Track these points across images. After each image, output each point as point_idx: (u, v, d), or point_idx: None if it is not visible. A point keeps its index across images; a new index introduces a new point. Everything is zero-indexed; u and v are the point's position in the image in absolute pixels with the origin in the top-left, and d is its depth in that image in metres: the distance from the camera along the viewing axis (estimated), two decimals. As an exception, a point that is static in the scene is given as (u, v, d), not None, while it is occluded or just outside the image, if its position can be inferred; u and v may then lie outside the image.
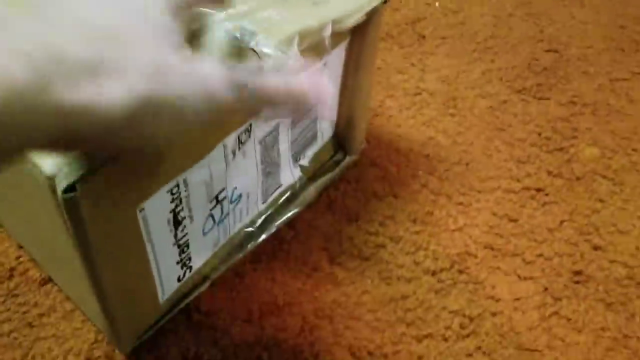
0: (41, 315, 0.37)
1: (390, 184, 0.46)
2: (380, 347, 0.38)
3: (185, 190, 0.31)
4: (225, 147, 0.33)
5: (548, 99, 0.54)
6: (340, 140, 0.46)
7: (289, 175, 0.42)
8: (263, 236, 0.41)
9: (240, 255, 0.40)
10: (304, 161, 0.43)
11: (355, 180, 0.46)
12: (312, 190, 0.44)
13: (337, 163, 0.46)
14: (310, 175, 0.44)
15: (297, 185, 0.43)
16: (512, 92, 0.54)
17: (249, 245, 0.40)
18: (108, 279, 0.30)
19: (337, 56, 0.39)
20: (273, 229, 0.41)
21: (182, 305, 0.37)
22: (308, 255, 0.42)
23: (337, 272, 0.41)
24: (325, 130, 0.44)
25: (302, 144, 0.42)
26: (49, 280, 0.39)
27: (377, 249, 0.43)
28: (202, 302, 0.38)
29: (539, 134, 0.51)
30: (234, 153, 0.34)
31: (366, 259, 0.42)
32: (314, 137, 0.43)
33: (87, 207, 0.26)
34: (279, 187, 0.42)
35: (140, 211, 0.29)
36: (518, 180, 0.47)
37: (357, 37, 0.39)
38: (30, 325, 0.37)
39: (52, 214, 0.27)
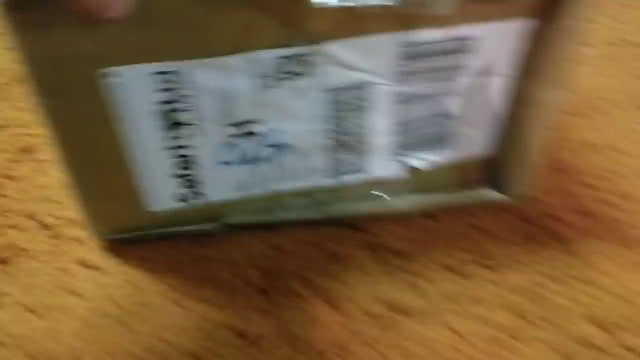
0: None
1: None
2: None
3: (189, 87, 0.25)
4: (256, 62, 0.25)
5: None
6: (494, 168, 0.32)
7: (382, 165, 0.31)
8: (322, 215, 0.31)
9: (288, 218, 0.31)
10: (416, 161, 0.31)
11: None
12: (411, 203, 0.32)
13: (475, 194, 0.32)
14: (422, 188, 0.32)
15: (394, 185, 0.32)
16: None
17: (302, 216, 0.31)
18: (68, 138, 0.26)
19: (501, 38, 0.27)
20: (342, 215, 0.32)
21: (193, 229, 0.30)
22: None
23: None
24: (470, 139, 0.31)
25: (417, 136, 0.30)
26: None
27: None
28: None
29: None
30: (277, 80, 0.26)
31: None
32: (440, 137, 0.31)
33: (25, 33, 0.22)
34: (359, 172, 0.31)
35: (107, 76, 0.24)
36: None
37: (544, 18, 0.26)
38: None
39: None
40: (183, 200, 0.29)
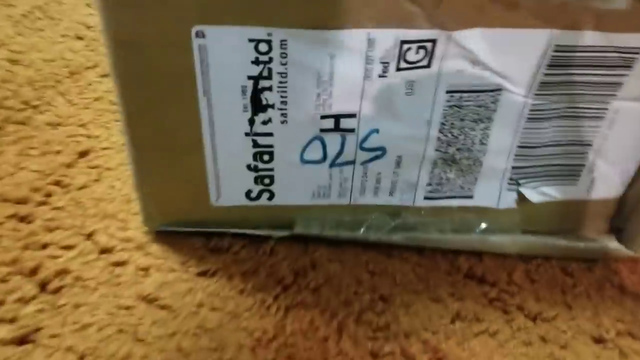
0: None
1: None
2: None
3: (283, 62, 0.21)
4: (368, 41, 0.21)
5: None
6: (625, 215, 0.27)
7: (491, 193, 0.26)
8: (410, 242, 0.26)
9: (364, 237, 0.26)
10: (533, 194, 0.26)
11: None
12: (518, 244, 0.27)
13: (595, 244, 0.27)
14: (531, 227, 0.27)
15: (499, 219, 0.26)
16: None
17: (385, 239, 0.26)
18: (139, 105, 0.23)
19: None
20: (433, 246, 0.27)
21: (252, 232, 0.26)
22: None
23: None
24: (605, 178, 0.26)
25: (542, 164, 0.25)
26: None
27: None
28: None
29: None
30: (389, 68, 0.21)
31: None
32: (569, 170, 0.26)
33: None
34: (463, 196, 0.26)
35: (197, 35, 0.20)
36: None
37: None
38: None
39: None
40: (253, 198, 0.25)
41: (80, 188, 0.29)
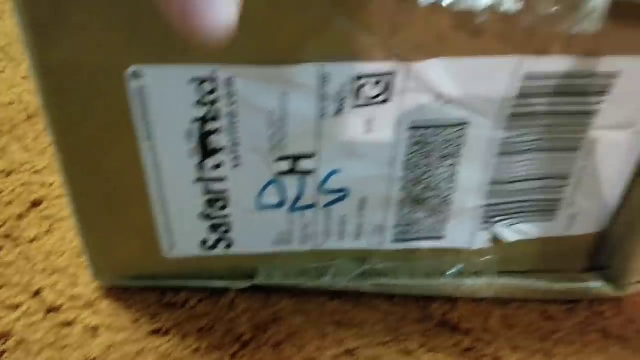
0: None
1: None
2: None
3: (230, 102, 0.18)
4: (322, 77, 0.18)
5: None
6: (607, 251, 0.24)
7: (463, 233, 0.23)
8: (378, 289, 0.23)
9: (330, 284, 0.23)
10: (507, 233, 0.23)
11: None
12: (494, 286, 0.23)
13: (576, 284, 0.24)
14: (507, 267, 0.23)
15: (473, 260, 0.23)
16: None
17: (352, 285, 0.23)
18: (77, 155, 0.19)
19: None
20: (403, 293, 0.23)
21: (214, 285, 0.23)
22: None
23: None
24: (583, 212, 0.23)
25: (516, 200, 0.22)
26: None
27: None
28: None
29: None
30: (344, 104, 0.19)
31: None
32: (545, 205, 0.22)
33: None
34: (433, 238, 0.23)
35: (132, 76, 0.18)
36: None
37: None
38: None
39: None
40: (209, 247, 0.22)
41: (31, 241, 0.26)
